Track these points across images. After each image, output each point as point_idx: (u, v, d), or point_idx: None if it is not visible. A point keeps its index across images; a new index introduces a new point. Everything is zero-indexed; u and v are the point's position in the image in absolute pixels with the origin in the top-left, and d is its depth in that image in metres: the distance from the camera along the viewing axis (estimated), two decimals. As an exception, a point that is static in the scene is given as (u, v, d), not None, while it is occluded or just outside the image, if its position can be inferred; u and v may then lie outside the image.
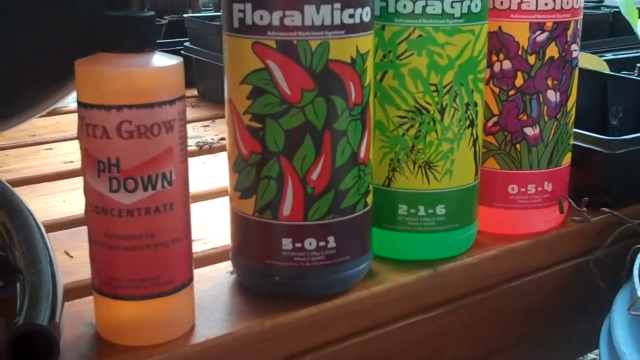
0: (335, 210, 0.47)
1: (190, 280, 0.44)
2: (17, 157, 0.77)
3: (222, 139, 0.83)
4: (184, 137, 0.42)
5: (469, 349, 0.57)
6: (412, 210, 0.52)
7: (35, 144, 0.82)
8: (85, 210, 0.42)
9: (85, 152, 0.40)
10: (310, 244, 0.47)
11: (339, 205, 0.47)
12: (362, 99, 0.47)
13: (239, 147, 0.46)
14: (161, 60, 0.40)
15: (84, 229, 0.59)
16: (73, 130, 0.87)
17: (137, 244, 0.41)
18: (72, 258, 0.54)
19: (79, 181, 0.71)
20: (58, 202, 0.65)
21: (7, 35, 0.40)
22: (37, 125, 0.90)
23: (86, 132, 0.40)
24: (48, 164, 0.75)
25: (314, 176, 0.46)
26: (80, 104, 0.40)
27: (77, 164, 0.75)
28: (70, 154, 0.78)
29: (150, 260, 0.41)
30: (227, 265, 0.52)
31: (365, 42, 0.46)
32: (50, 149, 0.81)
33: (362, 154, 0.47)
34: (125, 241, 0.41)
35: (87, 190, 0.41)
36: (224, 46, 0.47)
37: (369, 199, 0.49)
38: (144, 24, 0.40)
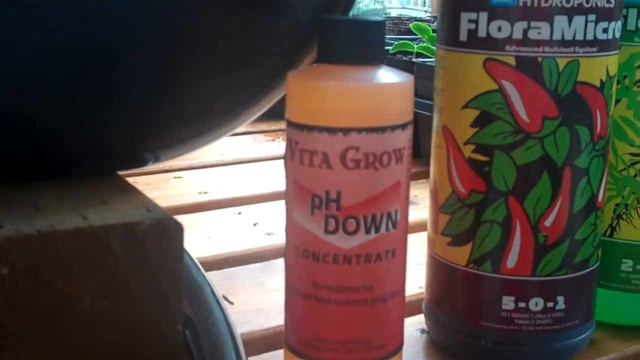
0: (568, 264, 0.39)
1: (402, 343, 0.36)
2: (146, 184, 0.71)
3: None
4: (410, 170, 0.34)
5: None
6: None
7: (162, 172, 0.76)
8: (287, 253, 0.35)
9: (295, 184, 0.33)
10: (536, 304, 0.39)
11: (573, 259, 0.39)
12: (606, 131, 0.39)
13: (454, 184, 0.39)
14: (390, 76, 0.33)
15: (238, 270, 0.53)
16: (199, 158, 0.81)
17: (352, 298, 0.33)
18: (232, 305, 0.47)
19: (218, 215, 0.65)
20: (201, 237, 0.58)
21: (207, 39, 0.33)
22: (159, 151, 0.84)
23: (299, 160, 0.33)
24: (182, 194, 0.69)
25: (548, 222, 0.38)
26: (292, 124, 0.33)
27: (213, 196, 0.69)
28: (202, 184, 0.72)
29: (364, 318, 0.34)
30: (417, 322, 0.45)
31: (614, 62, 0.38)
32: (179, 177, 0.75)
33: (600, 197, 0.39)
34: (338, 294, 0.33)
35: (293, 229, 0.34)
36: (440, 64, 0.39)
37: (600, 253, 0.41)
38: (375, 31, 0.33)
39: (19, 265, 0.28)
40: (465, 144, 0.38)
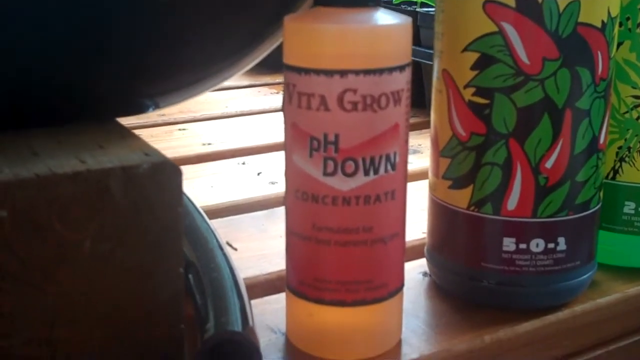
0: (570, 206, 0.39)
1: (402, 284, 0.36)
2: (150, 137, 0.71)
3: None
4: (409, 113, 0.34)
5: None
6: (642, 209, 0.44)
7: (166, 124, 0.76)
8: (286, 197, 0.35)
9: (293, 127, 0.33)
10: (537, 245, 0.39)
11: (574, 201, 0.39)
12: (608, 72, 0.38)
13: (454, 128, 0.39)
14: (388, 17, 0.33)
15: (242, 218, 0.53)
16: (203, 111, 0.81)
17: (352, 239, 0.33)
18: (236, 251, 0.47)
19: (222, 165, 0.66)
20: (205, 187, 0.58)
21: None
22: (163, 104, 0.84)
23: (297, 103, 0.33)
24: (185, 145, 0.69)
25: (549, 164, 0.38)
26: (290, 68, 0.33)
27: (217, 147, 0.69)
28: (206, 136, 0.72)
29: (365, 259, 0.34)
30: (419, 265, 0.45)
31: (616, 3, 0.38)
32: (183, 129, 0.75)
33: (601, 139, 0.39)
34: (338, 235, 0.33)
35: (293, 172, 0.34)
36: (440, 7, 0.39)
37: (601, 195, 0.41)
38: (372, -30, 0.32)
39: (17, 208, 0.29)
40: (466, 87, 0.38)
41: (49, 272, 0.30)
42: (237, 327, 0.33)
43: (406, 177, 0.35)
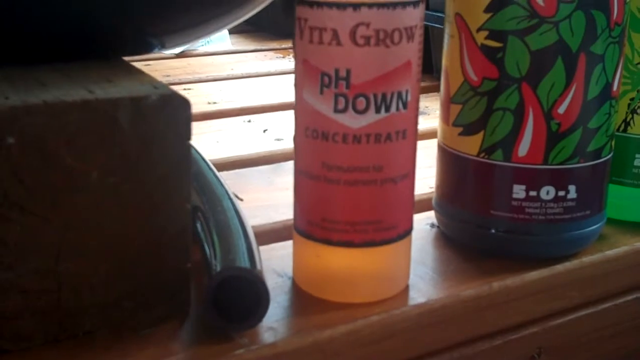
0: (581, 153, 0.38)
1: (411, 227, 0.36)
2: (155, 95, 0.70)
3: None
4: (421, 50, 0.34)
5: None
6: (652, 162, 0.43)
7: (171, 84, 0.75)
8: (296, 135, 0.34)
9: (304, 63, 0.33)
10: (547, 192, 0.38)
11: (586, 148, 0.38)
12: (623, 17, 0.38)
13: (466, 72, 0.38)
14: (402, -49, 0.32)
15: (247, 171, 0.53)
16: (207, 72, 0.81)
17: (362, 179, 0.33)
18: (242, 201, 0.47)
19: (227, 122, 0.65)
20: (211, 142, 0.58)
21: None
22: (169, 66, 0.84)
23: (309, 38, 0.32)
24: (191, 104, 0.68)
25: (562, 109, 0.37)
26: (301, 1, 0.32)
27: (221, 105, 0.69)
28: (210, 95, 0.72)
29: (374, 199, 0.34)
30: (426, 217, 0.44)
31: (633, -55, 0.37)
32: (189, 89, 0.74)
33: (615, 86, 0.39)
34: (348, 174, 0.33)
35: (302, 110, 0.33)
36: (453, -51, 0.38)
37: (613, 144, 0.40)
38: None
39: (25, 135, 0.28)
40: (479, 30, 0.37)
41: (55, 202, 0.29)
42: (245, 264, 0.33)
43: (417, 118, 0.34)
